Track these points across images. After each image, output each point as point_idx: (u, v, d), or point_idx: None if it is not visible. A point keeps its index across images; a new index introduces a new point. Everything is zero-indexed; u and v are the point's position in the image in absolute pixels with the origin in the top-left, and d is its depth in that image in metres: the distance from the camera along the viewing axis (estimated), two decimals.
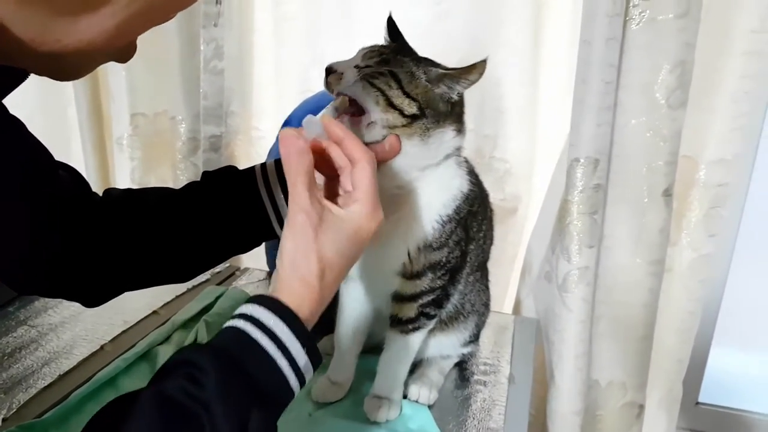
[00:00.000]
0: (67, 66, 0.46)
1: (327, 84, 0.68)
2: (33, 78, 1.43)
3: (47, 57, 0.42)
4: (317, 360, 0.53)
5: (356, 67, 0.67)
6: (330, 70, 0.67)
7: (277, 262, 0.55)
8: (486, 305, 0.92)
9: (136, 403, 0.45)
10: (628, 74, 0.94)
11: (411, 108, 0.66)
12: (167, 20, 0.49)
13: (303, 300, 0.53)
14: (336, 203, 0.58)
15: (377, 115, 0.65)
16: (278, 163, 0.76)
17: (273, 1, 1.22)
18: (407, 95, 0.66)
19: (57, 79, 0.48)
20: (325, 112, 0.65)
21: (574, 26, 0.99)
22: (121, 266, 0.72)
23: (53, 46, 0.41)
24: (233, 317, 0.52)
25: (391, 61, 0.67)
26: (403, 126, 0.66)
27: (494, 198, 1.19)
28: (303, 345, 0.51)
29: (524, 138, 1.16)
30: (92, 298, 0.75)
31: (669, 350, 1.09)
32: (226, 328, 0.51)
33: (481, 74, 0.66)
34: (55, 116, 1.40)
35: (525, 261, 1.21)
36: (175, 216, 0.73)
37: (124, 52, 0.50)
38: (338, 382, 0.83)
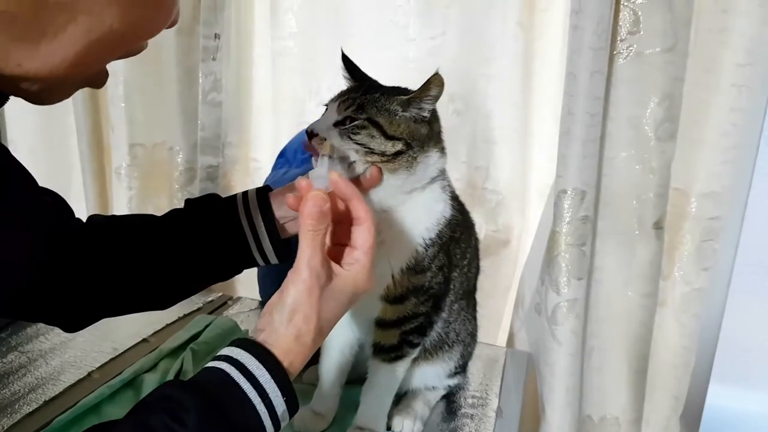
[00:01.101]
0: (36, 90, 0.47)
1: (309, 146, 0.69)
2: (36, 108, 1.46)
3: (14, 80, 0.43)
4: (294, 409, 0.55)
5: (335, 124, 0.67)
6: (311, 134, 0.68)
7: (274, 301, 0.57)
8: (472, 335, 0.91)
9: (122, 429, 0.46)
10: (616, 107, 0.95)
11: (395, 147, 0.67)
12: (134, 51, 0.50)
13: (294, 355, 0.55)
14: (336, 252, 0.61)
15: (360, 164, 0.67)
16: (260, 191, 0.76)
17: (270, 35, 1.25)
18: (390, 138, 0.67)
19: (32, 102, 0.49)
20: (320, 162, 0.65)
21: (563, 60, 1.00)
22: (102, 292, 0.72)
23: (15, 70, 0.42)
24: (218, 358, 0.53)
25: (365, 104, 0.68)
26: (387, 162, 0.68)
27: (487, 230, 1.19)
28: (284, 395, 0.53)
29: (516, 169, 1.17)
30: (72, 323, 0.75)
31: (664, 386, 1.06)
32: (211, 368, 0.52)
33: (440, 86, 0.67)
34: (58, 146, 1.43)
35: (518, 293, 1.20)
36: (156, 242, 0.73)
37: (95, 79, 0.51)
38: (321, 413, 0.82)
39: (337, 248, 0.62)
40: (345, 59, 0.77)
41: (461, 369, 0.91)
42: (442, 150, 0.74)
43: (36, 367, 0.96)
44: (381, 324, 0.76)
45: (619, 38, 0.92)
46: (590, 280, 1.01)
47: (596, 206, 0.98)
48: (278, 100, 1.29)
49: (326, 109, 0.70)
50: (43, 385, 0.91)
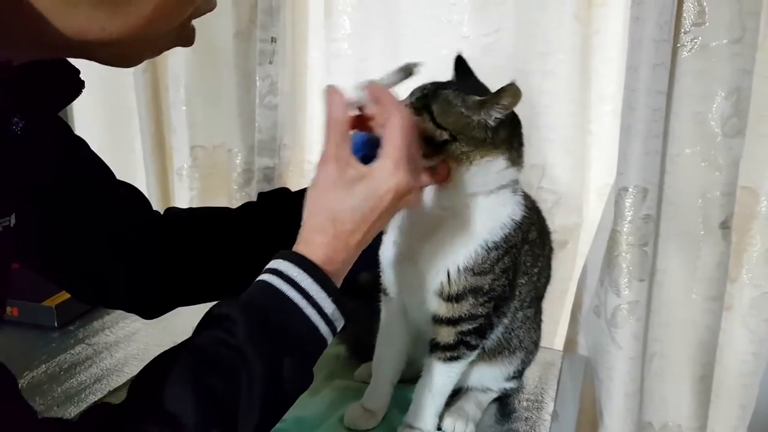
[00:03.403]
0: (123, 52, 0.48)
1: None
2: (103, 112, 1.53)
3: (99, 46, 0.45)
4: (344, 309, 0.55)
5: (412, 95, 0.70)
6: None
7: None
8: (535, 344, 0.89)
9: (172, 358, 0.48)
10: (680, 102, 0.92)
11: (442, 137, 0.67)
12: (208, 6, 0.52)
13: (320, 248, 0.54)
14: None
15: None
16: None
17: (324, 37, 1.27)
18: (438, 126, 0.67)
19: (118, 66, 0.50)
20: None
21: (622, 55, 0.97)
22: (178, 281, 0.75)
23: (99, 34, 0.44)
24: (261, 273, 0.54)
25: (429, 94, 0.69)
26: (434, 153, 0.67)
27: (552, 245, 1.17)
28: (328, 294, 0.53)
29: (574, 168, 1.14)
30: (149, 311, 0.79)
31: (730, 394, 1.01)
32: (254, 283, 0.54)
33: (515, 97, 0.66)
34: (123, 149, 1.49)
35: (576, 296, 1.17)
36: (229, 234, 0.76)
37: (182, 36, 0.52)
38: (372, 410, 0.82)
39: None
40: (458, 61, 0.78)
41: (519, 374, 0.89)
42: (514, 160, 0.73)
43: (101, 359, 1.00)
44: (437, 320, 0.76)
45: (682, 30, 0.89)
46: (652, 282, 0.97)
47: (659, 205, 0.94)
48: None
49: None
50: (107, 376, 0.95)
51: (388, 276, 0.79)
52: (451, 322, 0.75)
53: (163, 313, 0.80)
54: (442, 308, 0.75)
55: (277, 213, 0.76)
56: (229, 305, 0.51)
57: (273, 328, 0.50)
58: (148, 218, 0.76)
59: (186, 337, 0.51)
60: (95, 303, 0.82)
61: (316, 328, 0.52)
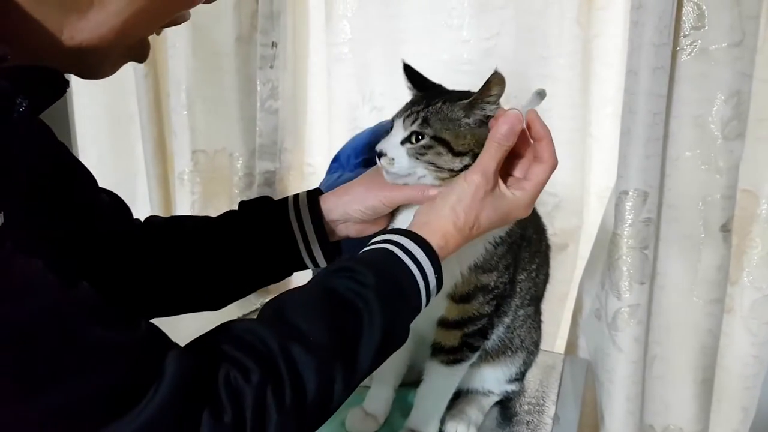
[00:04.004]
0: (87, 63, 0.49)
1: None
2: (105, 118, 1.53)
3: (68, 54, 0.45)
4: (440, 285, 0.62)
5: (403, 142, 0.68)
6: (380, 154, 0.69)
7: (438, 197, 0.64)
8: (536, 344, 0.89)
9: (305, 291, 0.55)
10: (680, 105, 0.92)
11: (463, 163, 0.66)
12: (178, 20, 0.52)
13: (449, 237, 0.62)
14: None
15: (430, 179, 0.68)
16: (310, 193, 0.77)
17: (325, 42, 1.27)
18: (458, 154, 0.66)
19: (82, 77, 0.51)
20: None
21: (623, 59, 0.97)
22: (157, 290, 0.74)
23: (68, 42, 0.44)
24: (378, 242, 0.61)
25: (430, 117, 0.67)
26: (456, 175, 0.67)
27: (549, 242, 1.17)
28: (436, 271, 0.60)
29: (574, 171, 1.14)
30: None
31: (732, 397, 1.01)
32: (377, 248, 0.60)
33: (501, 84, 0.65)
34: (124, 154, 1.50)
35: (577, 299, 1.17)
36: (210, 243, 0.75)
37: (138, 52, 0.53)
38: (373, 414, 0.82)
39: (510, 177, 0.67)
40: (407, 69, 0.77)
41: (520, 376, 0.89)
42: None
43: None
44: (443, 324, 0.76)
45: (682, 34, 0.89)
46: (653, 285, 0.97)
47: (659, 208, 0.95)
48: (332, 105, 1.31)
49: (392, 125, 0.70)
50: None
51: None
52: (459, 324, 0.75)
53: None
54: (452, 311, 0.75)
55: (256, 223, 0.75)
56: (355, 261, 0.58)
57: (396, 289, 0.57)
58: (129, 225, 0.75)
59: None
60: None
61: (420, 296, 0.59)
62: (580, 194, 1.16)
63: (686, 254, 0.96)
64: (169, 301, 0.76)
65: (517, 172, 0.66)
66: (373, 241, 0.62)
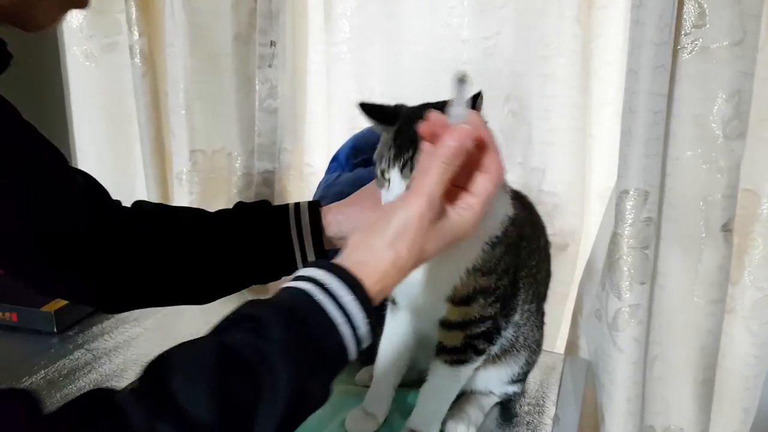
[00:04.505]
0: (17, 15, 0.49)
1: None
2: (103, 117, 1.52)
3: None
4: (373, 332, 0.52)
5: (402, 166, 0.66)
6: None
7: (374, 221, 0.55)
8: (538, 343, 0.89)
9: (196, 348, 0.45)
10: (681, 104, 0.91)
11: None
12: None
13: (388, 279, 0.53)
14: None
15: None
16: (312, 205, 0.77)
17: (324, 41, 1.27)
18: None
19: (25, 30, 0.50)
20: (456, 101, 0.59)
21: (623, 58, 0.97)
22: (141, 277, 0.73)
23: None
24: (300, 278, 0.51)
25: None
26: None
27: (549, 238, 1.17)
28: (367, 315, 0.51)
29: (574, 171, 1.13)
30: (109, 304, 0.77)
31: (732, 397, 1.01)
32: (293, 288, 0.50)
33: (481, 100, 0.65)
34: (122, 154, 1.49)
35: (577, 299, 1.16)
36: (202, 237, 0.74)
37: None
38: (373, 414, 0.82)
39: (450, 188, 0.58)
40: (365, 108, 0.71)
41: (523, 377, 0.88)
42: (505, 188, 0.74)
43: (101, 364, 1.00)
44: (445, 325, 0.75)
45: (683, 32, 0.88)
46: (653, 285, 0.97)
47: (660, 208, 0.94)
48: (331, 105, 1.30)
49: (388, 181, 0.68)
50: (107, 381, 0.94)
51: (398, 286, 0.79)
52: (461, 326, 0.74)
53: (125, 310, 0.77)
54: (453, 313, 0.74)
55: (255, 226, 0.75)
56: (265, 308, 0.48)
57: (308, 343, 0.48)
58: (106, 206, 0.73)
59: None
60: (54, 294, 0.78)
61: (344, 346, 0.50)
62: (581, 194, 1.15)
63: (687, 254, 0.96)
64: (153, 288, 0.74)
65: (459, 182, 0.58)
66: (295, 275, 0.52)
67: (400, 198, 0.55)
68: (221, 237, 0.75)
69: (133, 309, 0.78)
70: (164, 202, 1.42)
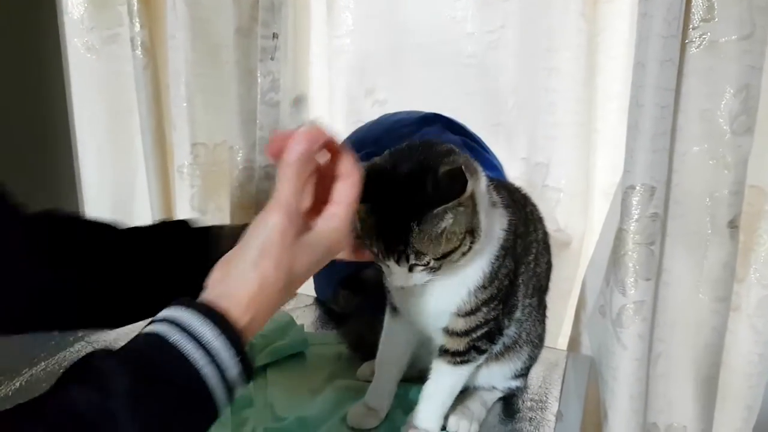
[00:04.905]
0: None
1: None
2: (104, 110, 1.51)
3: None
4: (250, 371, 0.48)
5: (410, 270, 0.66)
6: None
7: (235, 249, 0.50)
8: (540, 338, 0.88)
9: (36, 409, 0.42)
10: (688, 98, 0.90)
11: (468, 242, 0.66)
12: None
13: (258, 305, 0.48)
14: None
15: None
16: (235, 230, 0.68)
17: (326, 34, 1.26)
18: (461, 244, 0.65)
19: None
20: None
21: (629, 53, 0.96)
22: (38, 292, 0.65)
23: None
24: (153, 321, 0.47)
25: (419, 247, 0.64)
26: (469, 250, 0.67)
27: (547, 229, 1.16)
28: (238, 353, 0.46)
29: (579, 166, 1.13)
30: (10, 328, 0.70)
31: (736, 395, 1.00)
32: (146, 333, 0.46)
33: (462, 185, 0.62)
34: (123, 147, 1.48)
35: (581, 295, 1.16)
36: (112, 252, 0.68)
37: None
38: (375, 409, 0.81)
39: (317, 206, 0.56)
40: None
41: (525, 372, 0.88)
42: (495, 204, 0.72)
43: None
44: (449, 333, 0.75)
45: (691, 26, 0.87)
46: (659, 281, 0.96)
47: (666, 204, 0.93)
48: (333, 98, 1.29)
49: (388, 268, 0.67)
50: None
51: (398, 299, 0.79)
52: (466, 332, 0.75)
53: (25, 332, 0.69)
54: (458, 324, 0.74)
55: (182, 244, 0.70)
56: (108, 358, 0.43)
57: (164, 388, 0.43)
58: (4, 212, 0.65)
59: None
60: None
61: (209, 390, 0.44)
62: (585, 189, 1.14)
63: (692, 251, 0.95)
64: (52, 307, 0.67)
65: (324, 197, 0.55)
66: (152, 318, 0.47)
67: (258, 217, 0.51)
68: (135, 257, 0.68)
69: (32, 331, 0.70)
70: (165, 196, 1.43)
